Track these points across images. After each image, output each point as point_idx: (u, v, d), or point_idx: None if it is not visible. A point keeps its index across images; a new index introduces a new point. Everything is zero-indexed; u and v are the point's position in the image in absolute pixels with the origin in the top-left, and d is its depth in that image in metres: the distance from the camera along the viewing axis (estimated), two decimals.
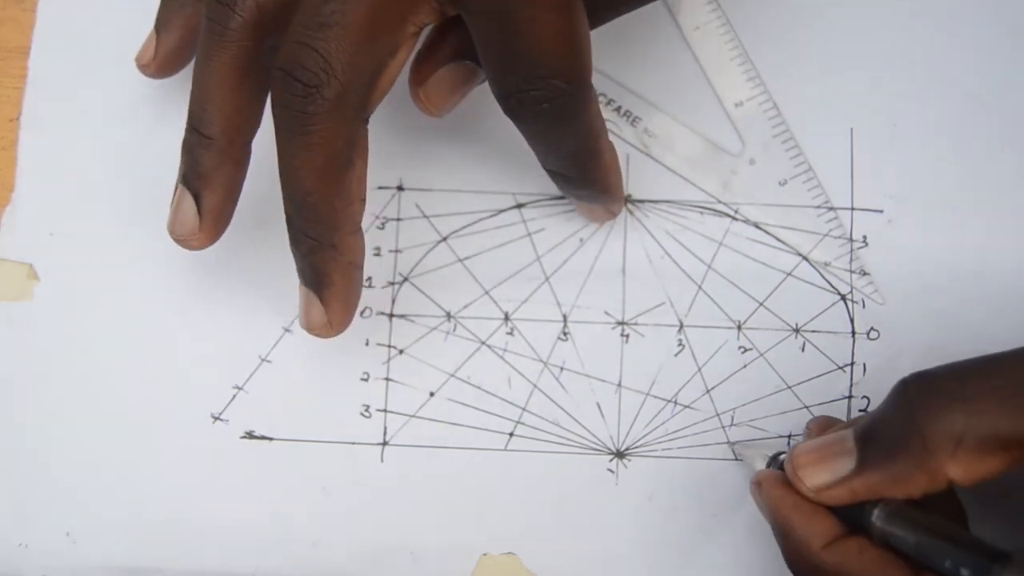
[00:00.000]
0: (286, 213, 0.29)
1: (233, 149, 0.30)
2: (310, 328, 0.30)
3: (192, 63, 0.30)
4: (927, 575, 0.26)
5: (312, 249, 0.29)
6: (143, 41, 0.34)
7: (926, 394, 0.27)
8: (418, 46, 0.30)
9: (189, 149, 0.30)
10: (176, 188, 0.31)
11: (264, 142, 0.36)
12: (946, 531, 0.27)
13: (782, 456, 0.31)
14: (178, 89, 0.37)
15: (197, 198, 0.30)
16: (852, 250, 0.35)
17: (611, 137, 0.36)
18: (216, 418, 0.35)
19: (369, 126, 0.37)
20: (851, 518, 0.28)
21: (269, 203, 0.36)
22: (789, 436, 0.34)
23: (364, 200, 0.29)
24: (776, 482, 0.29)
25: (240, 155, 0.30)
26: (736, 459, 0.34)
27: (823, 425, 0.31)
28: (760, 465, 0.32)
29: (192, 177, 0.30)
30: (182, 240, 0.31)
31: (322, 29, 0.27)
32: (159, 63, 0.34)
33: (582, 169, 0.31)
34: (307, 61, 0.27)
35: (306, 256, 0.29)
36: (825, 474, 0.28)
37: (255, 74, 0.29)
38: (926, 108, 0.36)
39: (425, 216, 0.36)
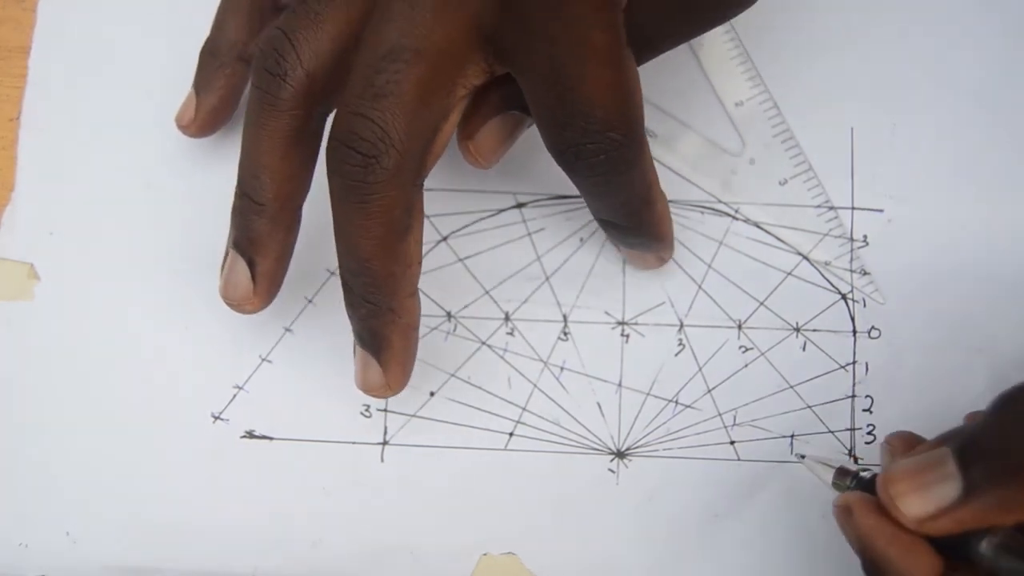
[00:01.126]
0: (342, 279, 0.29)
1: (285, 215, 0.30)
2: (368, 390, 0.30)
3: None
4: None
5: (371, 313, 0.29)
6: (182, 102, 0.35)
7: None
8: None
9: (241, 214, 0.30)
10: (227, 252, 0.31)
11: None
12: None
13: (866, 474, 0.29)
14: (178, 89, 0.37)
15: (251, 264, 0.30)
16: (852, 249, 0.35)
17: None
18: (216, 418, 0.35)
19: None
20: (953, 547, 0.26)
21: None
22: (792, 436, 0.34)
23: (421, 262, 0.29)
24: (869, 509, 0.26)
25: (291, 221, 0.30)
26: (796, 460, 0.33)
27: (907, 442, 0.29)
28: (829, 478, 0.29)
29: (244, 243, 0.30)
30: (236, 305, 0.31)
31: (377, 99, 0.27)
32: (200, 124, 0.35)
33: (636, 219, 0.31)
34: (364, 132, 0.26)
35: (364, 320, 0.29)
36: (928, 502, 0.25)
37: (306, 141, 0.29)
38: (926, 108, 0.36)
39: (425, 216, 0.36)
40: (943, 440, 0.27)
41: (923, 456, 0.26)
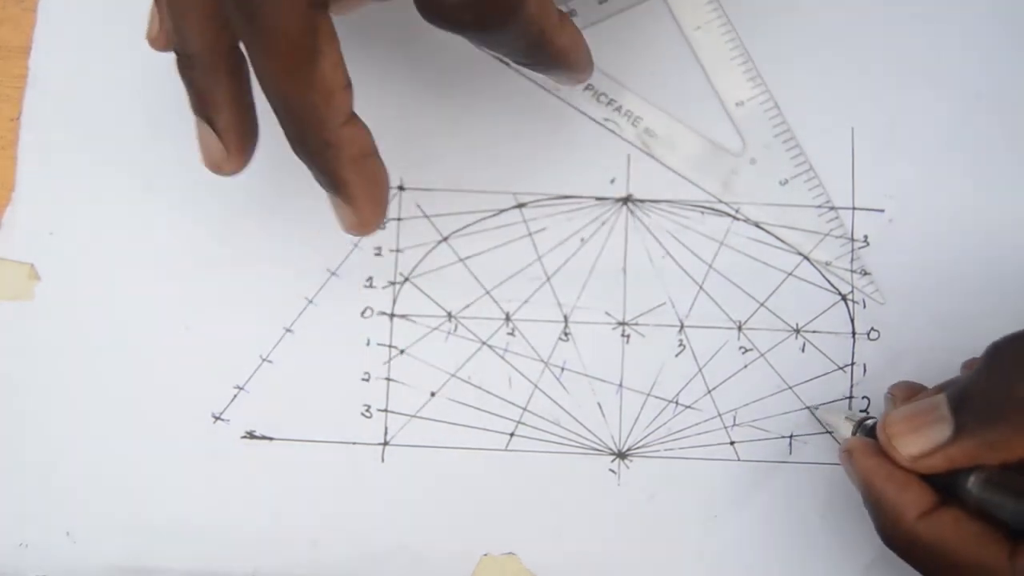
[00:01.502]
0: (282, 129, 0.28)
1: (219, 60, 0.28)
2: (347, 230, 0.29)
3: None
4: None
5: (310, 152, 0.27)
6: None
7: (1020, 357, 0.27)
8: None
9: (183, 76, 0.29)
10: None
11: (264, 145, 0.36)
12: None
13: (870, 422, 0.31)
14: (178, 90, 0.37)
15: (210, 123, 0.29)
16: (853, 250, 0.35)
17: (612, 137, 0.36)
18: (217, 418, 0.35)
19: (370, 126, 0.37)
20: (945, 486, 0.28)
21: (268, 204, 0.36)
22: (791, 436, 0.34)
23: (349, 87, 0.27)
24: (869, 451, 0.29)
25: (231, 65, 0.29)
26: (819, 423, 0.34)
27: (907, 391, 0.31)
28: (847, 431, 0.32)
29: (196, 103, 0.29)
30: (215, 168, 0.30)
31: None
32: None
33: (534, 59, 0.29)
34: None
35: (310, 162, 0.28)
36: (921, 442, 0.28)
37: None
38: (926, 108, 0.36)
39: (426, 216, 0.36)
40: (940, 388, 0.29)
41: (919, 403, 0.29)
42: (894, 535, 0.28)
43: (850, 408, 0.34)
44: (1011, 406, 0.27)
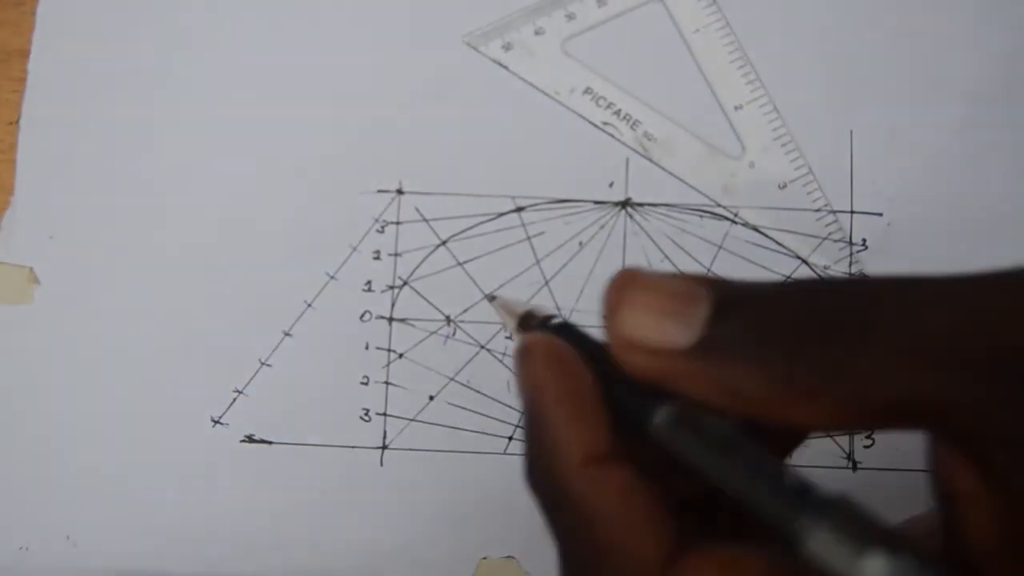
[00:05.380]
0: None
1: None
2: None
3: None
4: (710, 556, 0.19)
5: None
6: None
7: (821, 310, 0.19)
8: None
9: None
10: None
11: (259, 139, 0.36)
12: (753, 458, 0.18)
13: (555, 320, 0.23)
14: (178, 91, 0.37)
15: None
16: (852, 253, 0.35)
17: (610, 140, 0.36)
18: (216, 422, 0.35)
19: (369, 130, 0.37)
20: (629, 419, 0.20)
21: (268, 208, 0.36)
22: None
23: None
24: (552, 355, 0.21)
25: None
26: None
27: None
28: (510, 327, 0.24)
29: None
30: None
31: None
32: None
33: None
34: None
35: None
36: (654, 331, 0.19)
37: None
38: (926, 110, 0.36)
39: (424, 220, 0.36)
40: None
41: (682, 280, 0.20)
42: (539, 478, 0.21)
43: None
44: (786, 349, 0.18)
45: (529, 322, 0.23)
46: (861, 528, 0.17)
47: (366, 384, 0.35)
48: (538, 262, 0.36)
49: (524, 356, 0.21)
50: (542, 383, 0.20)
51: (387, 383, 0.35)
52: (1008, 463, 0.18)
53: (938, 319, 0.19)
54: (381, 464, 0.34)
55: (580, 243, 0.36)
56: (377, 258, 0.36)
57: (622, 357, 0.20)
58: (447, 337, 0.35)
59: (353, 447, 0.35)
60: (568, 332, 0.22)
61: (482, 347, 0.35)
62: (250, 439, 0.35)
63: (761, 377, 0.18)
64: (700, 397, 0.19)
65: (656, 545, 0.19)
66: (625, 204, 0.36)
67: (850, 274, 0.35)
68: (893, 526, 0.17)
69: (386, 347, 0.35)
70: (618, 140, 0.36)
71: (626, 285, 0.20)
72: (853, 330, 0.19)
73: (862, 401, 0.18)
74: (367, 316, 0.35)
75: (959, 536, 0.19)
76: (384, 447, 0.35)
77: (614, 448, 0.20)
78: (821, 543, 0.17)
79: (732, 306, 0.19)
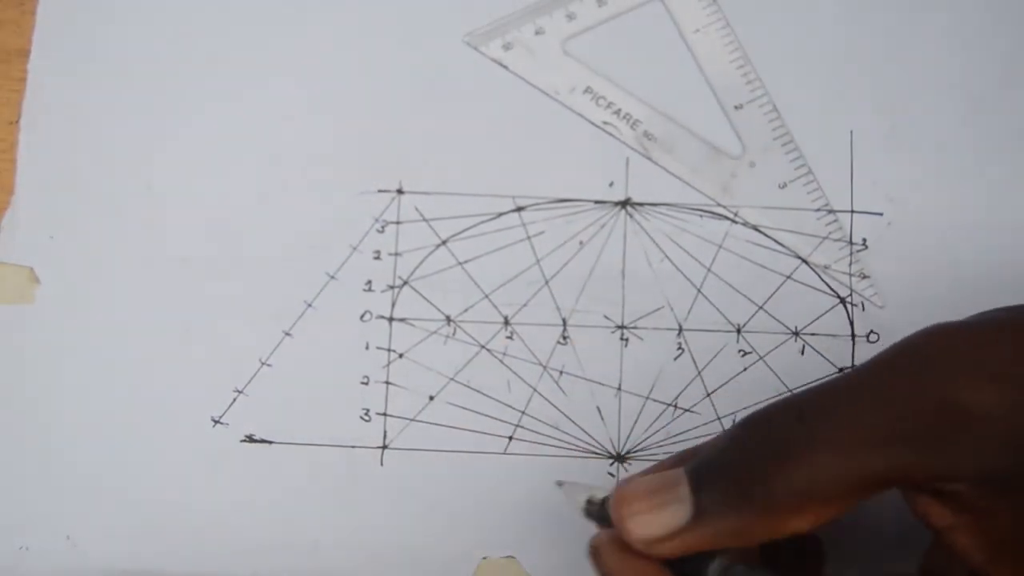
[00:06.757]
0: None
1: None
2: None
3: None
4: None
5: None
6: None
7: (767, 443, 0.24)
8: None
9: None
10: None
11: (259, 138, 0.36)
12: None
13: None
14: (178, 91, 0.37)
15: None
16: (852, 253, 0.35)
17: (610, 140, 0.36)
18: (216, 422, 0.35)
19: (369, 130, 0.37)
20: (689, 567, 0.25)
21: (268, 207, 0.36)
22: None
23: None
24: (616, 550, 0.26)
25: None
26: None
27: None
28: (575, 509, 0.28)
29: None
30: None
31: None
32: None
33: None
34: None
35: None
36: (657, 525, 0.25)
37: None
38: (926, 109, 0.36)
39: (424, 220, 0.36)
40: (680, 460, 0.27)
41: (656, 477, 0.26)
42: None
43: None
44: (756, 494, 0.24)
45: (591, 507, 0.28)
46: None
47: (366, 384, 0.35)
48: (538, 262, 0.36)
49: (599, 553, 0.26)
50: (617, 570, 0.26)
51: (387, 383, 0.35)
52: (966, 493, 0.23)
53: (864, 416, 0.24)
54: (381, 464, 0.34)
55: (580, 243, 0.36)
56: (377, 258, 0.36)
57: (652, 552, 0.25)
58: (447, 337, 0.35)
59: (353, 447, 0.35)
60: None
61: (482, 347, 0.35)
62: (250, 439, 0.35)
63: (752, 516, 0.24)
64: (717, 547, 0.25)
65: None
66: (625, 204, 0.36)
67: (850, 272, 0.35)
68: None
69: (386, 347, 0.35)
70: (618, 140, 0.36)
71: (621, 502, 0.26)
72: (801, 446, 0.24)
73: (832, 493, 0.23)
74: (367, 316, 0.35)
75: (961, 556, 0.24)
76: (384, 447, 0.35)
77: None
78: None
79: (705, 472, 0.25)
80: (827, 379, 0.26)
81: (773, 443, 0.24)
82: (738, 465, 0.25)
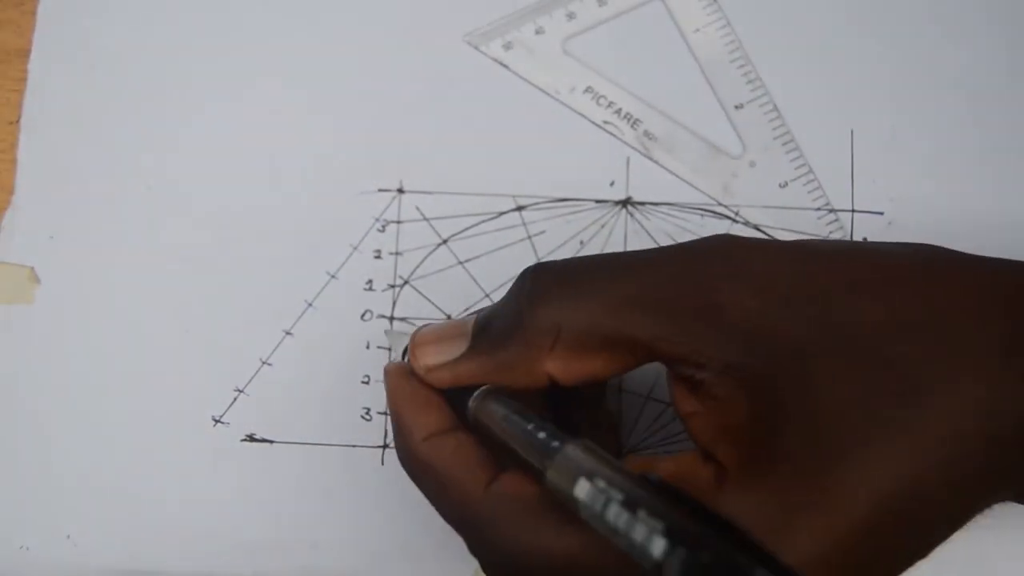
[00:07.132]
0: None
1: None
2: None
3: None
4: (512, 474, 0.26)
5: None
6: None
7: (538, 284, 0.27)
8: None
9: None
10: None
11: (259, 138, 0.36)
12: (524, 412, 0.26)
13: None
14: (179, 91, 0.37)
15: None
16: None
17: (611, 139, 0.36)
18: (217, 421, 0.35)
19: (369, 129, 0.37)
20: (461, 399, 0.28)
21: (268, 207, 0.36)
22: None
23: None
24: (400, 373, 0.29)
25: None
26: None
27: None
28: (398, 355, 0.31)
29: None
30: None
31: None
32: None
33: None
34: None
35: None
36: (437, 355, 0.28)
37: None
38: (926, 109, 0.36)
39: (425, 219, 0.36)
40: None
41: (454, 321, 0.29)
42: (402, 456, 0.29)
43: None
44: (517, 331, 0.27)
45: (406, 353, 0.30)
46: (578, 465, 0.24)
47: (367, 383, 0.35)
48: (539, 261, 0.35)
49: (386, 374, 0.30)
50: (396, 390, 0.29)
51: None
52: (709, 382, 0.25)
53: (626, 283, 0.27)
54: (382, 463, 0.34)
55: (581, 242, 0.36)
56: (378, 257, 0.36)
57: (430, 379, 0.28)
58: None
59: (354, 446, 0.34)
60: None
61: None
62: (251, 438, 0.35)
63: (509, 351, 0.27)
64: (482, 381, 0.28)
65: (482, 472, 0.27)
66: (626, 203, 0.36)
67: None
68: (614, 462, 0.23)
69: (387, 346, 0.35)
70: (619, 139, 0.36)
71: (416, 337, 0.29)
72: (560, 296, 0.27)
73: (579, 343, 0.26)
74: (368, 315, 0.35)
75: (692, 438, 0.26)
76: (385, 446, 0.35)
77: (452, 426, 0.28)
78: (552, 475, 0.24)
79: (485, 315, 0.28)
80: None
81: (539, 289, 0.27)
82: (509, 303, 0.28)
